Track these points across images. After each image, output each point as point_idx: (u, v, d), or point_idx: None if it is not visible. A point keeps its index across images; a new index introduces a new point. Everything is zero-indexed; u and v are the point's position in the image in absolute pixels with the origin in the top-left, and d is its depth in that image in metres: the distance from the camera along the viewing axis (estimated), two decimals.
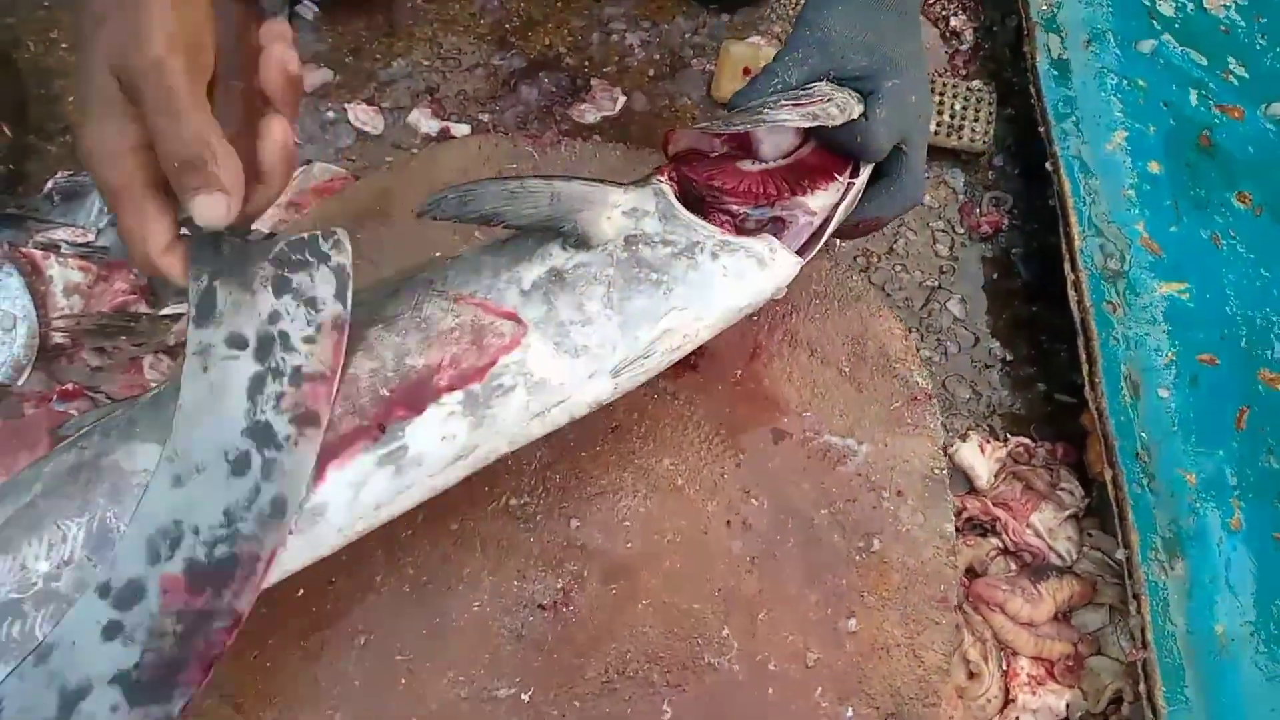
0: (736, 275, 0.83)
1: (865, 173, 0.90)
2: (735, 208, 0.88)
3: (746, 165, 0.90)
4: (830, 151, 0.89)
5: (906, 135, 0.89)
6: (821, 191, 0.88)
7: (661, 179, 0.86)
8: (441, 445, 0.76)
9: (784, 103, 0.84)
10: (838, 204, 0.89)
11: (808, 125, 0.84)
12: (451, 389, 0.76)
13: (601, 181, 0.84)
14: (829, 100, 0.85)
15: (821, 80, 0.88)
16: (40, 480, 0.75)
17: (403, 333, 0.77)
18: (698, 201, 0.88)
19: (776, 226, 0.88)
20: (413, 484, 0.77)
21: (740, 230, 0.88)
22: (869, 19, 0.88)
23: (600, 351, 0.80)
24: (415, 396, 0.75)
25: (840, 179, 0.88)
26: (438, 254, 0.88)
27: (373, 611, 0.87)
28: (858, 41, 0.87)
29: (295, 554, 0.74)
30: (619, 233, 0.82)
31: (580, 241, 0.81)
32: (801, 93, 0.86)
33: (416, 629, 0.86)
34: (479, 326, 0.78)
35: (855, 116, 0.86)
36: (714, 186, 0.88)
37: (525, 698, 0.84)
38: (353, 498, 0.74)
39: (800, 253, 0.88)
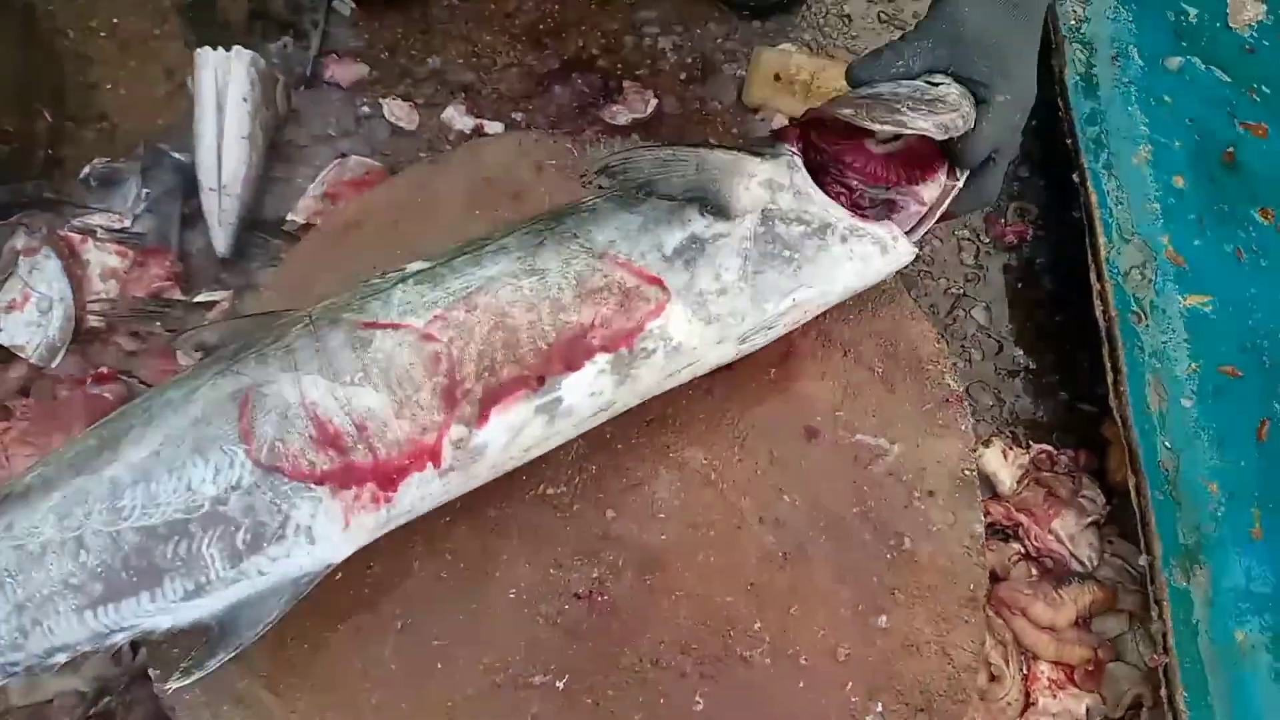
0: (862, 259, 0.89)
1: (964, 177, 0.93)
2: (855, 184, 0.93)
3: (870, 145, 0.94)
4: (931, 144, 0.92)
5: (1001, 146, 0.93)
6: (931, 183, 0.92)
7: (792, 147, 0.90)
8: (590, 400, 0.84)
9: (921, 108, 0.87)
10: (939, 202, 0.93)
11: (939, 137, 0.88)
12: (604, 349, 0.82)
13: (739, 149, 0.88)
14: (957, 111, 0.88)
15: (942, 73, 0.90)
16: (199, 400, 0.78)
17: (557, 288, 0.82)
18: (818, 168, 0.92)
19: (887, 208, 0.93)
20: (560, 431, 0.85)
21: (855, 206, 0.92)
22: (1001, 23, 0.89)
23: (731, 320, 0.87)
24: (571, 353, 0.81)
25: (942, 176, 0.92)
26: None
27: (410, 597, 0.88)
28: (985, 44, 0.89)
29: (453, 486, 0.82)
30: (756, 204, 0.87)
31: (719, 210, 0.86)
32: (933, 97, 0.88)
33: (453, 615, 0.87)
34: (626, 289, 0.83)
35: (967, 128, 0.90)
36: (842, 160, 0.93)
37: (560, 685, 0.85)
38: (510, 440, 0.82)
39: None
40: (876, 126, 0.86)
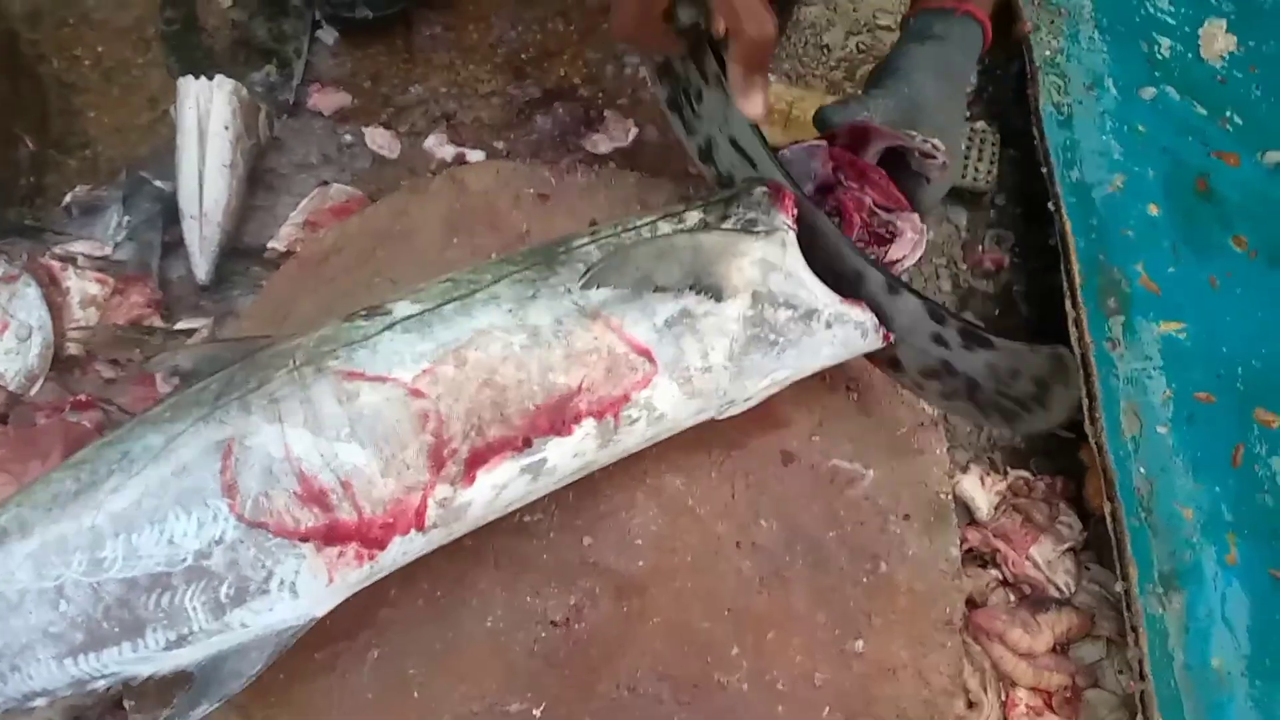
0: (843, 343, 0.92)
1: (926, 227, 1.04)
2: (874, 202, 1.01)
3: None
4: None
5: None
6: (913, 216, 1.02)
7: (788, 219, 0.93)
8: (573, 460, 0.85)
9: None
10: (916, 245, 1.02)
11: (944, 179, 1.03)
12: (589, 415, 0.83)
13: (736, 231, 0.91)
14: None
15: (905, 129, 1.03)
16: (181, 449, 0.77)
17: (547, 346, 0.82)
18: (833, 186, 1.01)
19: (890, 231, 1.00)
20: (541, 489, 0.86)
21: (868, 226, 1.00)
22: (946, 95, 1.06)
23: (713, 395, 0.89)
24: (558, 416, 0.82)
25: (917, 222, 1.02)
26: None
27: (386, 625, 0.87)
28: (935, 111, 1.04)
29: (435, 540, 0.83)
30: (748, 285, 0.89)
31: (713, 291, 0.88)
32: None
33: (429, 643, 0.87)
34: (615, 355, 0.84)
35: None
36: (870, 177, 1.01)
37: (537, 713, 0.85)
38: (493, 498, 0.82)
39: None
40: (916, 145, 0.98)
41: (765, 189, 0.96)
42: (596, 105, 1.33)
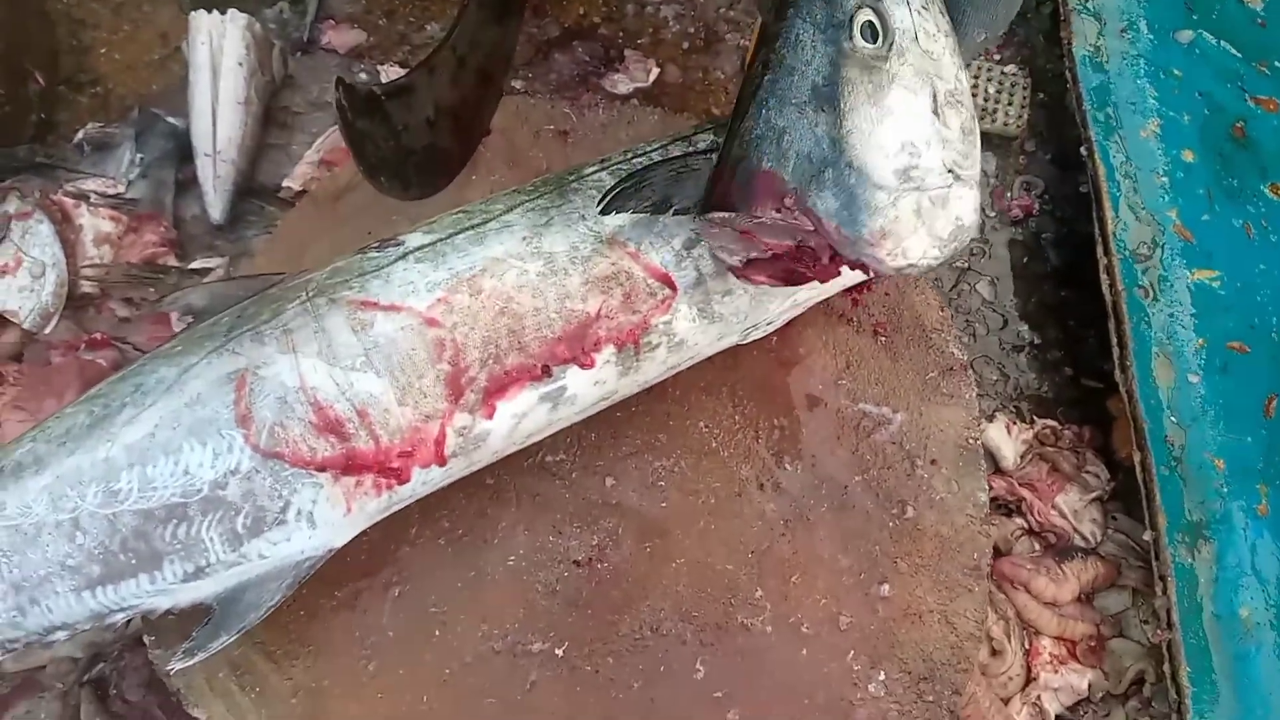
0: None
1: None
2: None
3: None
4: None
5: None
6: None
7: None
8: (593, 389, 0.83)
9: None
10: None
11: None
12: (609, 342, 0.81)
13: None
14: None
15: None
16: (194, 380, 0.76)
17: (564, 273, 0.80)
18: None
19: None
20: (562, 418, 0.84)
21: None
22: None
23: (734, 319, 0.86)
24: (577, 344, 0.80)
25: None
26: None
27: (407, 563, 0.87)
28: None
29: (455, 471, 0.82)
30: None
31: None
32: None
33: (451, 582, 0.86)
34: (633, 281, 0.82)
35: None
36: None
37: (559, 652, 0.84)
38: (513, 427, 0.81)
39: None
40: None
41: None
42: (616, 44, 1.30)
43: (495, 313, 0.78)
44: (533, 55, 1.29)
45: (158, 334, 1.09)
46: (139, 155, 1.19)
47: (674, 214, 0.83)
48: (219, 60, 1.16)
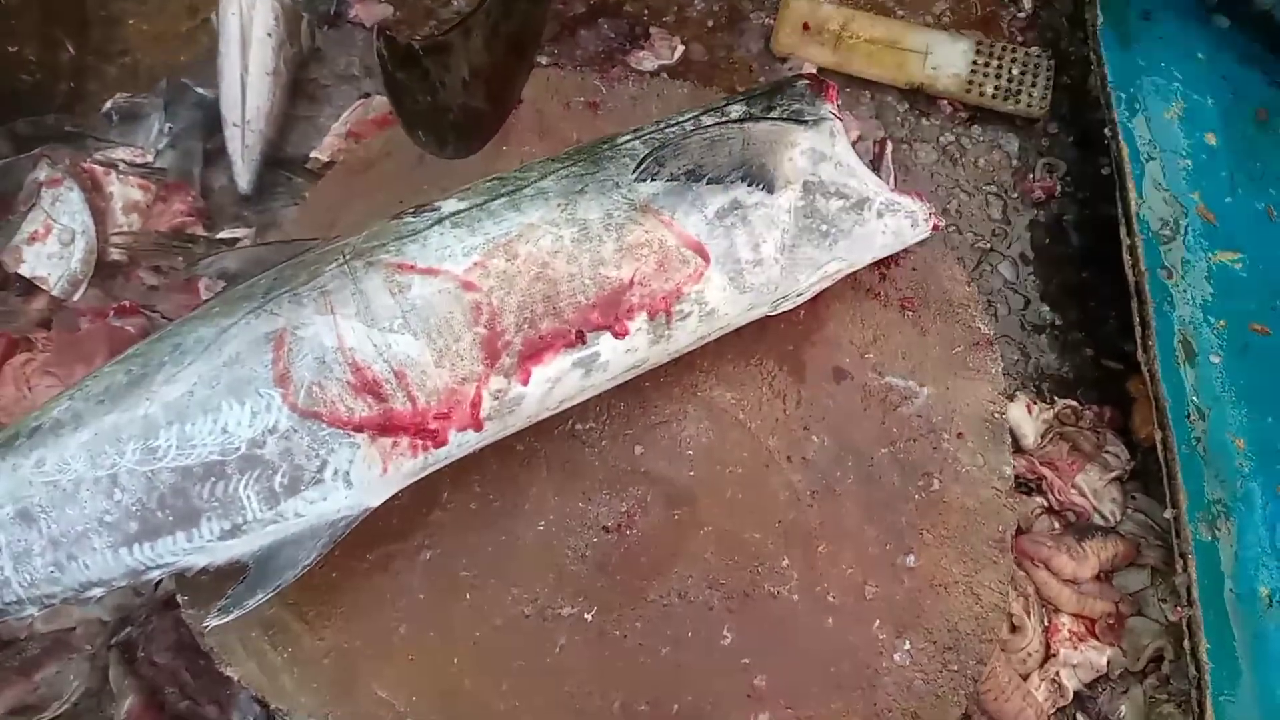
0: (895, 233, 0.92)
1: None
2: None
3: None
4: None
5: None
6: None
7: (833, 108, 0.92)
8: (625, 356, 0.84)
9: None
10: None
11: None
12: (642, 309, 0.82)
13: (784, 121, 0.89)
14: None
15: None
16: (232, 340, 0.77)
17: (598, 240, 0.81)
18: None
19: None
20: (594, 384, 0.85)
21: None
22: None
23: (764, 290, 0.87)
24: (610, 311, 0.81)
25: None
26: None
27: (438, 527, 0.87)
28: None
29: (489, 434, 0.82)
30: (798, 176, 0.88)
31: (764, 182, 0.86)
32: None
33: (482, 546, 0.87)
34: (666, 249, 0.83)
35: None
36: None
37: (588, 617, 0.85)
38: (546, 392, 0.82)
39: None
40: None
41: (806, 81, 0.95)
42: (642, 22, 1.30)
43: (531, 278, 0.79)
44: (558, 31, 1.29)
45: (185, 302, 1.10)
46: (168, 125, 1.19)
47: (707, 183, 0.84)
48: (249, 31, 1.17)
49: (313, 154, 1.19)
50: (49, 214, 1.10)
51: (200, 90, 1.20)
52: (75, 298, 1.10)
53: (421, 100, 0.87)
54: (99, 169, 1.14)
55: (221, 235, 1.15)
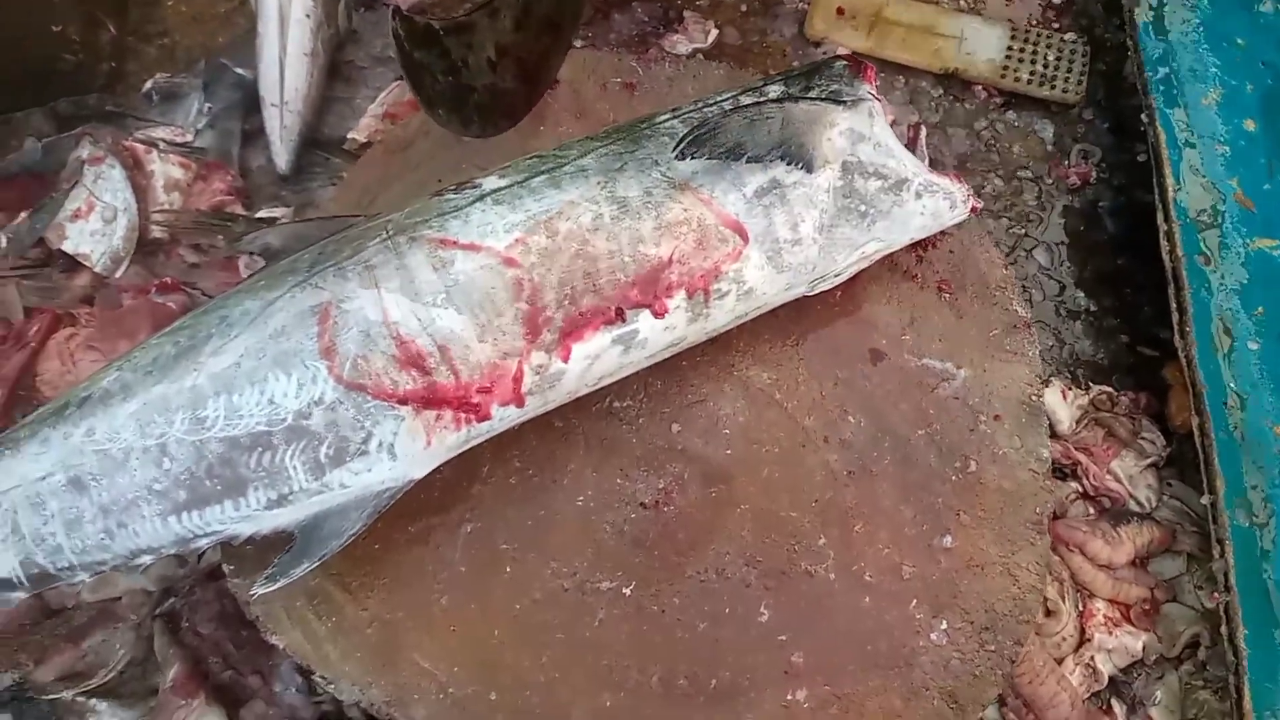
0: (932, 214, 0.92)
1: None
2: None
3: None
4: None
5: None
6: None
7: (872, 89, 0.92)
8: (664, 334, 0.84)
9: None
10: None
11: None
12: (680, 287, 0.83)
13: (823, 100, 0.89)
14: None
15: None
16: (278, 313, 0.78)
17: (637, 217, 0.81)
18: None
19: None
20: (633, 362, 0.86)
21: None
22: None
23: (802, 269, 0.88)
24: (649, 288, 0.82)
25: None
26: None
27: (479, 501, 0.88)
28: None
29: (530, 409, 0.83)
30: (837, 156, 0.88)
31: (803, 161, 0.86)
32: None
33: (521, 520, 0.87)
34: (705, 227, 0.83)
35: None
36: None
37: (626, 591, 0.86)
38: (586, 369, 0.82)
39: None
40: None
41: (845, 62, 0.95)
42: (675, 5, 1.30)
43: (571, 255, 0.80)
44: (593, 15, 1.29)
45: (226, 280, 1.11)
46: (207, 105, 1.20)
47: (746, 162, 0.84)
48: (287, 12, 1.17)
49: (350, 135, 1.20)
50: (92, 191, 1.12)
51: (239, 71, 1.21)
52: (117, 274, 1.12)
53: (442, 80, 0.88)
54: (140, 147, 1.15)
55: (260, 214, 1.16)
